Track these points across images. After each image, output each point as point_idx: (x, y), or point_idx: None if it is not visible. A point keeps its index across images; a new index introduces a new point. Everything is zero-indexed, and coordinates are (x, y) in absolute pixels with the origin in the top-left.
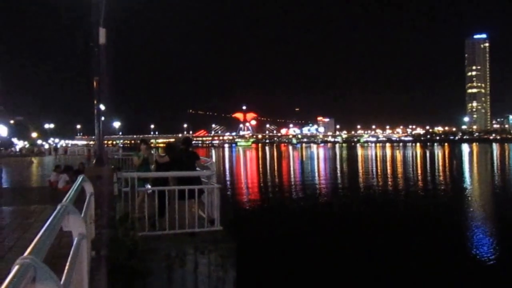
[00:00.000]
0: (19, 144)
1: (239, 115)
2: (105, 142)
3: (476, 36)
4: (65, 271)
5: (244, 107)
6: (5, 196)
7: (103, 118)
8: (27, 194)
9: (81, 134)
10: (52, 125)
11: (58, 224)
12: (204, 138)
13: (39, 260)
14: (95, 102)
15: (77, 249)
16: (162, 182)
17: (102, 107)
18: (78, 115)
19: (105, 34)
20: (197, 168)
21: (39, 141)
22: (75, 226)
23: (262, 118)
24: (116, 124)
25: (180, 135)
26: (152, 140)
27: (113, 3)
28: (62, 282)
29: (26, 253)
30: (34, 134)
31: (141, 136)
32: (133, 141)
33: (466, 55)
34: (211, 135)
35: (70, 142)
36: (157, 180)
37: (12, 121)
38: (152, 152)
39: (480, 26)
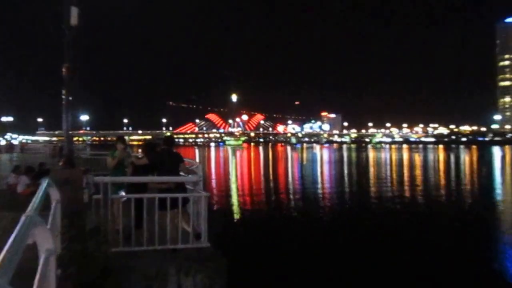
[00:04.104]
0: None
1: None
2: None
3: (508, 20)
4: None
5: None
6: None
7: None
8: None
9: (44, 128)
10: (10, 118)
11: (25, 238)
12: (187, 136)
13: (5, 283)
14: (64, 92)
15: (45, 268)
16: (140, 188)
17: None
18: (40, 107)
19: (78, 15)
20: (181, 173)
21: None
22: (42, 240)
23: (255, 113)
24: (84, 118)
25: (158, 131)
26: (125, 137)
27: None
28: None
29: None
30: None
31: (111, 132)
32: (102, 138)
33: (497, 42)
34: (195, 132)
35: (30, 137)
36: (134, 186)
37: None
38: (128, 150)
39: None
